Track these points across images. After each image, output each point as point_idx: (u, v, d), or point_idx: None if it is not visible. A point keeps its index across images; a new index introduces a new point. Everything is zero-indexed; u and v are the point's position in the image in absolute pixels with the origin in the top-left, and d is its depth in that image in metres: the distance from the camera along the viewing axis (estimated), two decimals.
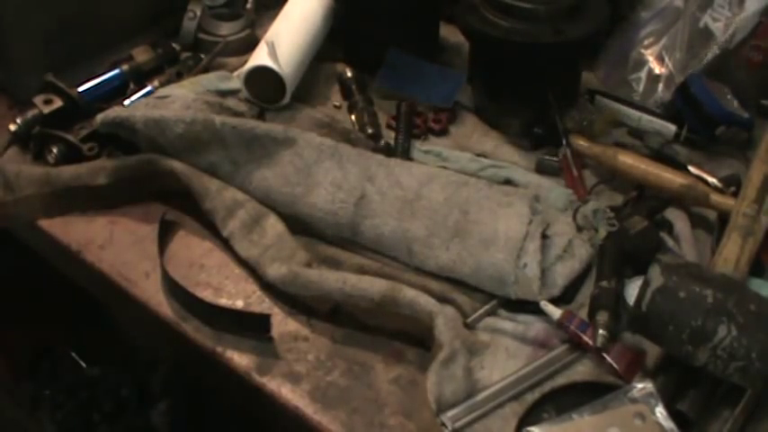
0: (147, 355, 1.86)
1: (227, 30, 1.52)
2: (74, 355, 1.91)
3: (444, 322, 1.00)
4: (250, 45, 1.43)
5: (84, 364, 1.90)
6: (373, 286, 1.03)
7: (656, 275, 0.95)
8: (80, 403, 1.82)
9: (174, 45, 1.48)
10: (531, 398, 0.97)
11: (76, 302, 1.59)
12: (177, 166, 1.19)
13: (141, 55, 1.44)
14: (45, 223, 1.23)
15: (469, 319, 1.06)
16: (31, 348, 1.90)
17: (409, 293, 1.03)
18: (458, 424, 0.93)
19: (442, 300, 1.06)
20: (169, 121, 1.19)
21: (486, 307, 1.08)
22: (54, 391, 1.84)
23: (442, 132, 1.37)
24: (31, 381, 1.88)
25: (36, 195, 1.23)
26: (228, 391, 1.12)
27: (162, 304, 1.10)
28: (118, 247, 1.18)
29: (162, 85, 1.39)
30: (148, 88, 1.39)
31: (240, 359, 1.03)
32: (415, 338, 1.04)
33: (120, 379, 1.83)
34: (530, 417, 0.95)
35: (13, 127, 1.30)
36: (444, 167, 1.25)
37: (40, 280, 1.59)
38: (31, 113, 1.30)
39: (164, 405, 1.78)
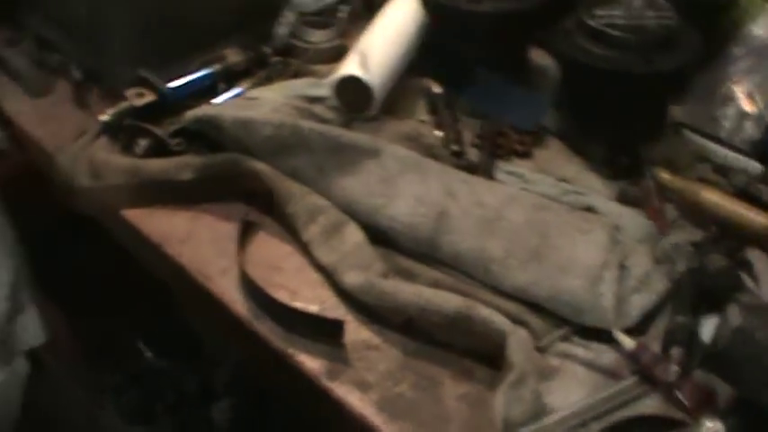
0: (213, 351, 1.88)
1: (318, 37, 1.54)
2: (142, 344, 1.94)
3: (517, 343, 1.00)
4: (341, 54, 1.44)
5: (151, 355, 1.93)
6: (448, 302, 1.04)
7: (734, 315, 0.93)
8: (144, 392, 1.85)
9: (265, 49, 1.50)
10: (597, 427, 0.96)
11: (149, 293, 1.62)
12: (262, 167, 1.20)
13: (233, 56, 1.46)
14: (128, 213, 1.25)
15: (541, 343, 1.05)
16: (101, 334, 1.94)
17: (483, 312, 1.03)
18: None
19: (516, 321, 1.05)
20: (257, 122, 1.21)
21: (559, 332, 1.07)
22: (120, 378, 1.88)
23: (526, 155, 1.36)
24: (98, 366, 1.91)
25: (122, 185, 1.25)
26: (295, 394, 1.13)
27: (237, 302, 1.11)
28: (198, 242, 1.20)
29: (251, 87, 1.41)
30: (238, 90, 1.41)
31: (311, 363, 1.04)
32: (485, 357, 1.04)
33: (184, 372, 1.86)
34: None
35: (104, 117, 1.33)
36: (526, 190, 1.25)
37: (115, 267, 1.62)
38: (122, 105, 1.33)
39: (226, 402, 1.80)
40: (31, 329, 1.68)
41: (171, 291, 1.33)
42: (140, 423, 1.82)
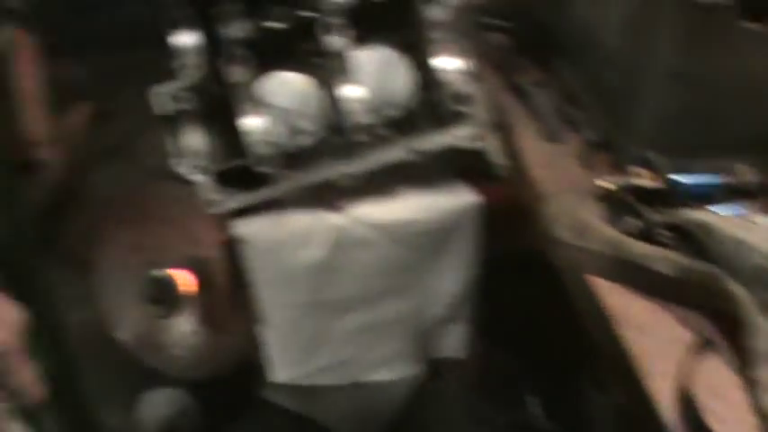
0: None
1: None
2: (532, 399, 1.98)
3: None
4: None
5: (539, 413, 1.97)
6: None
7: None
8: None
9: None
10: None
11: (564, 354, 1.66)
12: (740, 292, 1.18)
13: (745, 173, 1.45)
14: (595, 280, 1.30)
15: None
16: (503, 372, 2.00)
17: None
18: None
19: None
20: (751, 247, 1.20)
21: None
22: (501, 423, 1.93)
23: None
24: (486, 402, 1.98)
25: (600, 253, 1.29)
26: None
27: (665, 409, 1.10)
28: (651, 336, 1.20)
29: (754, 211, 1.40)
30: (738, 209, 1.40)
31: None
32: None
33: None
34: None
35: (604, 184, 1.38)
36: None
37: (546, 317, 1.68)
38: (624, 180, 1.38)
39: None
40: (453, 342, 1.78)
41: (587, 363, 1.35)
42: None
